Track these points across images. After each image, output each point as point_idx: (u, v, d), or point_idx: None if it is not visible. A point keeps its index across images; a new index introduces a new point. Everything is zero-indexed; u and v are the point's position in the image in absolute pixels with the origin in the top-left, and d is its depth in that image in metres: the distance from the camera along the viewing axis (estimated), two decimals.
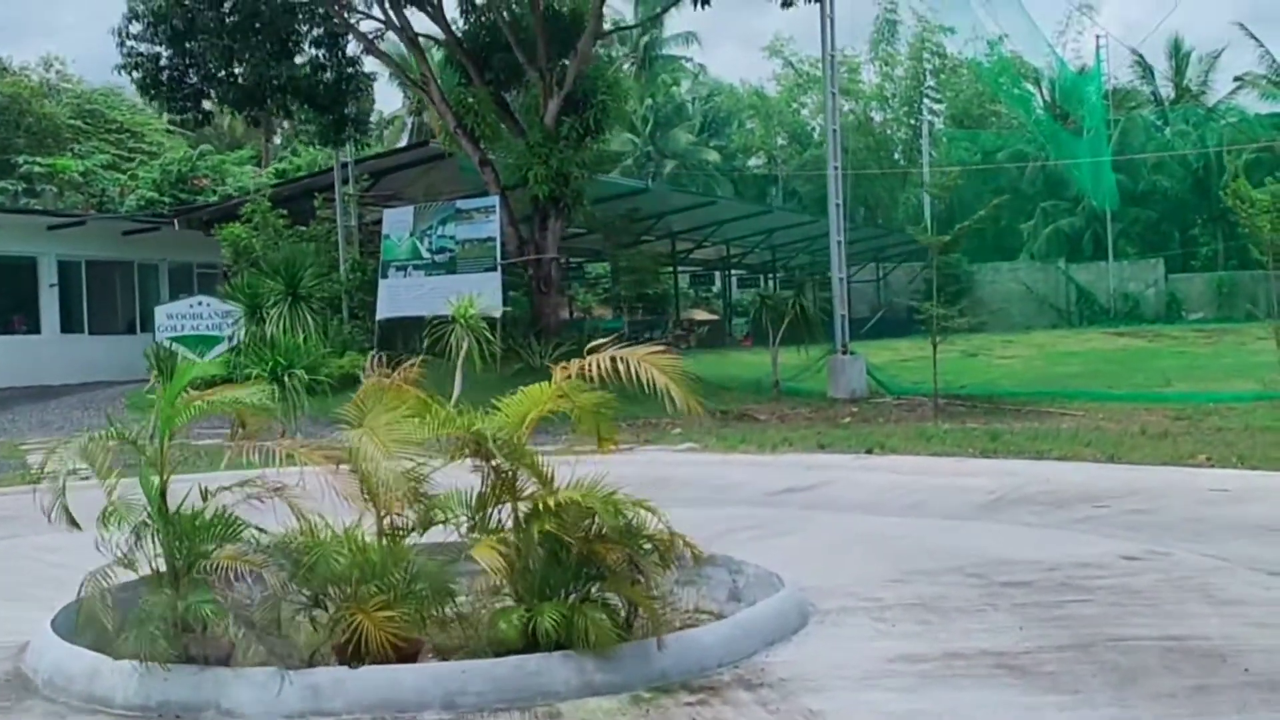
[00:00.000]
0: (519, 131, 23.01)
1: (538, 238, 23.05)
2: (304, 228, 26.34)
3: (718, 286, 63.29)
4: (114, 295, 32.16)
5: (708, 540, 9.43)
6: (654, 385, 6.45)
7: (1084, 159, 58.30)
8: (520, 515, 6.19)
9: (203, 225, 30.38)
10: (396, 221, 23.74)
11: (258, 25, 23.04)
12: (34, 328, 30.20)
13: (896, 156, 71.50)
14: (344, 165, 26.50)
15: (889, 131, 71.45)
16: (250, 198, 28.07)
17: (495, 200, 22.41)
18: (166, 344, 24.83)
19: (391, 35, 24.98)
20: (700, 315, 53.39)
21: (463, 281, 22.15)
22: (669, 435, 17.62)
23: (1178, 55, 64.48)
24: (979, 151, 65.63)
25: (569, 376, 6.45)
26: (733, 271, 58.45)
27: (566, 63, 22.71)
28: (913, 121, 69.21)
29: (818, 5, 22.43)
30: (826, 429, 17.91)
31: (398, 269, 23.51)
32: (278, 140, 61.91)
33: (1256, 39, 61.75)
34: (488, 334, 16.28)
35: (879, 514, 10.59)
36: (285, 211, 26.43)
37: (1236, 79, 62.55)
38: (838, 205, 22.44)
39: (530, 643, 5.80)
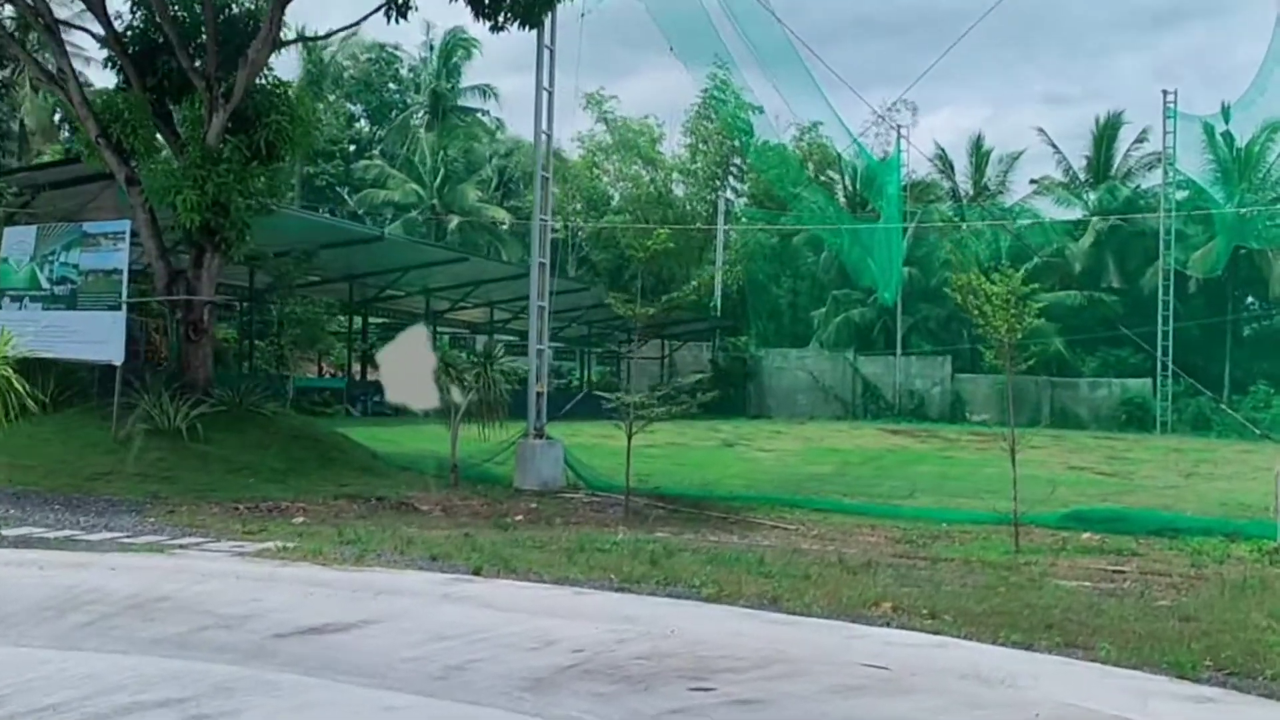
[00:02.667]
0: (182, 149, 19.52)
1: (191, 276, 19.51)
2: None
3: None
4: None
5: None
6: None
7: (878, 249, 56.97)
8: None
9: None
10: (16, 243, 19.87)
11: None
12: None
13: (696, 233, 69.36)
14: None
15: (689, 207, 69.26)
16: None
17: (126, 225, 18.76)
18: None
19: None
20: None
21: (84, 320, 18.59)
22: (284, 526, 14.22)
23: (978, 154, 63.72)
24: (776, 234, 63.98)
25: None
26: (499, 336, 55.31)
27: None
28: (711, 197, 67.17)
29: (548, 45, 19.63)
30: (480, 531, 14.77)
31: (13, 300, 19.64)
32: None
33: (1055, 145, 61.36)
34: (14, 383, 12.93)
35: (388, 686, 7.41)
36: None
37: (1033, 181, 62.06)
38: (542, 264, 19.43)
39: None
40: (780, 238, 64.11)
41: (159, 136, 20.02)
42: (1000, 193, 62.62)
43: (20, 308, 19.46)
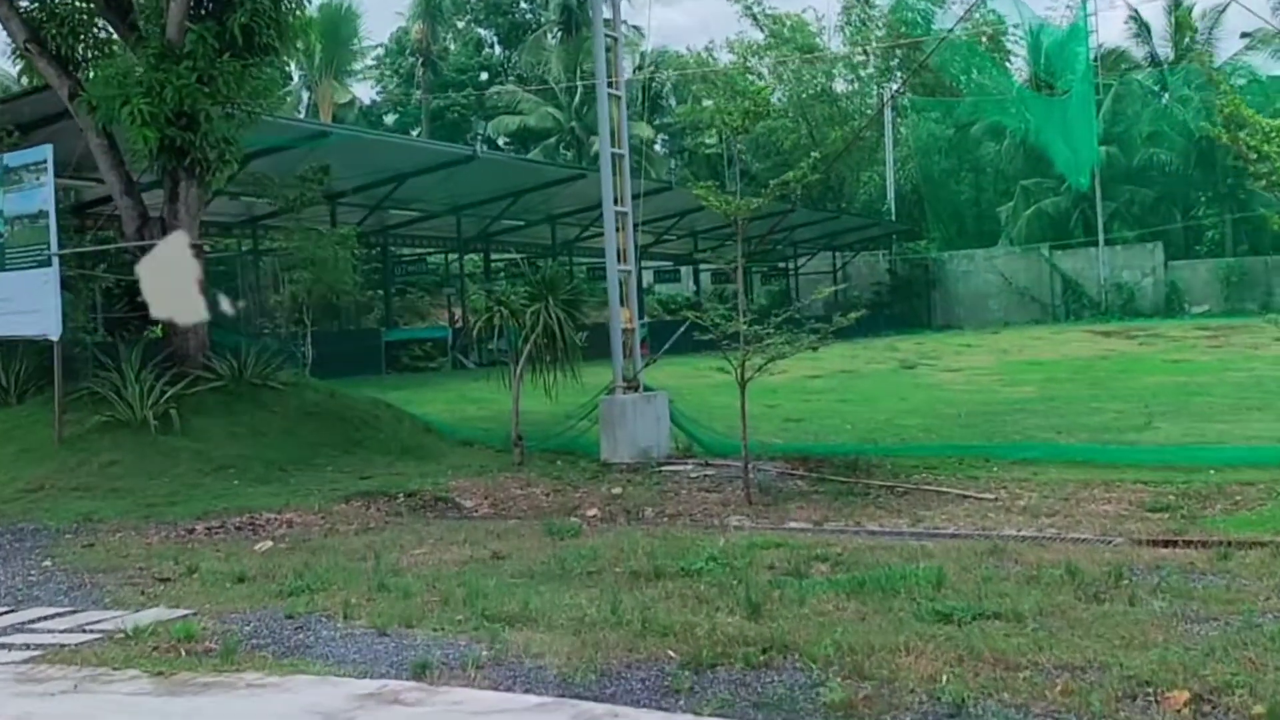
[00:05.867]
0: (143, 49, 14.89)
1: (166, 214, 14.97)
2: None
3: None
4: None
5: None
6: None
7: (1068, 128, 50.48)
8: None
9: None
10: None
11: None
12: None
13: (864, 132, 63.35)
14: None
15: (855, 102, 63.33)
16: None
17: (46, 151, 14.13)
18: None
19: None
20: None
21: (13, 283, 14.20)
22: (228, 561, 9.62)
23: (1177, 10, 56.26)
24: (952, 125, 57.79)
25: None
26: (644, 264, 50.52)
27: None
28: (879, 90, 61.18)
29: None
30: (524, 540, 9.99)
31: None
32: None
33: None
34: None
35: None
36: None
37: (1244, 35, 54.41)
38: (616, 154, 14.36)
39: None
40: (956, 129, 57.99)
41: (115, 37, 15.49)
42: (1206, 53, 55.20)
43: None
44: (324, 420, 14.90)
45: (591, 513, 11.35)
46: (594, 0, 14.82)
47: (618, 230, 14.42)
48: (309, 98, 59.13)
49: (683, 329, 13.64)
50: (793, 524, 10.57)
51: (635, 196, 14.75)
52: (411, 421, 16.14)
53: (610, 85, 14.36)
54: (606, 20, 14.71)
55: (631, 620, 7.11)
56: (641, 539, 9.72)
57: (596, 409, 14.48)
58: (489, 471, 13.74)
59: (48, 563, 9.90)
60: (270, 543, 10.37)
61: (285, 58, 16.69)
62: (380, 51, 67.51)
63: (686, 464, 13.86)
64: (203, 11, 14.68)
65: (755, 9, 61.07)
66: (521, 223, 35.94)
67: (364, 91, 68.05)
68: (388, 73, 68.16)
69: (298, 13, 15.11)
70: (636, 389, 14.35)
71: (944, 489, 11.95)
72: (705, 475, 13.23)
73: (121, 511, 11.69)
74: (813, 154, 12.84)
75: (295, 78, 55.80)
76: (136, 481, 12.62)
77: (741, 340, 11.68)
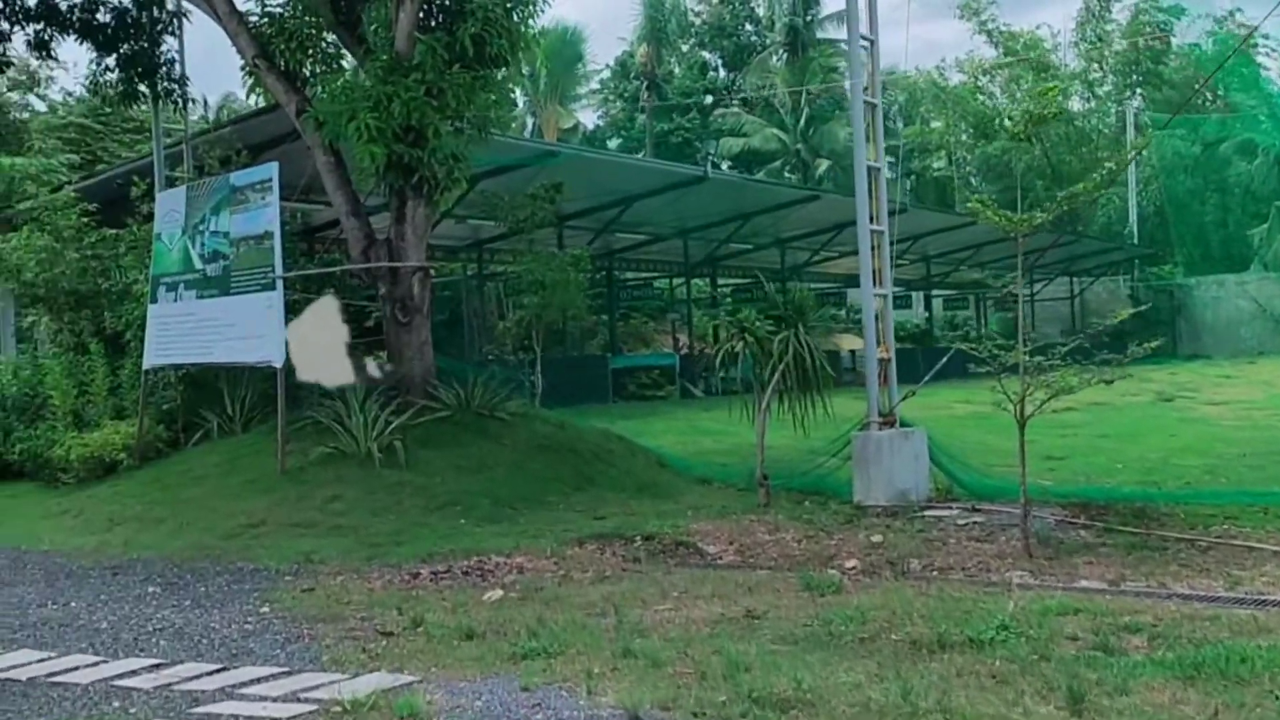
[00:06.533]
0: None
1: (393, 236, 14.31)
2: (121, 231, 17.90)
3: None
4: None
5: None
6: None
7: None
8: None
9: None
10: (168, 211, 15.11)
11: None
12: None
13: (1101, 153, 60.56)
14: (168, 135, 17.92)
15: (1092, 121, 60.63)
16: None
17: (272, 169, 13.55)
18: None
19: None
20: (846, 342, 43.61)
21: (238, 308, 13.66)
22: (457, 612, 8.76)
23: None
24: (1198, 142, 54.69)
25: None
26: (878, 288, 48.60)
27: None
28: (1118, 108, 58.41)
29: None
30: (779, 597, 8.86)
31: (168, 288, 14.98)
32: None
33: None
34: None
35: None
36: (97, 208, 18.20)
37: None
38: (874, 168, 13.12)
39: None
40: (1203, 146, 54.86)
41: (344, 51, 14.97)
42: None
43: (176, 298, 14.77)
44: (554, 454, 14.00)
45: (850, 564, 10.16)
46: (850, 7, 13.53)
47: (873, 250, 13.22)
48: (534, 123, 59.33)
49: (945, 358, 12.37)
50: (1084, 583, 9.22)
51: (891, 214, 13.51)
52: (645, 456, 15.15)
53: (865, 92, 13.17)
54: (864, 36, 13.43)
55: (929, 710, 5.96)
56: (915, 598, 8.52)
57: (847, 446, 13.26)
58: (731, 513, 12.65)
59: (265, 609, 9.18)
60: (500, 591, 9.46)
61: (512, 82, 15.92)
62: (605, 75, 67.62)
63: (951, 508, 12.53)
64: (433, 23, 14.05)
65: (989, 26, 59.07)
66: (749, 246, 34.93)
67: (587, 116, 68.16)
68: (611, 96, 68.08)
69: (530, 21, 14.37)
70: (892, 424, 13.08)
71: (1255, 544, 10.42)
72: (974, 522, 11.89)
73: (343, 551, 10.97)
74: (1107, 165, 11.37)
75: (520, 103, 55.99)
76: (359, 518, 11.92)
77: (1022, 372, 10.36)
